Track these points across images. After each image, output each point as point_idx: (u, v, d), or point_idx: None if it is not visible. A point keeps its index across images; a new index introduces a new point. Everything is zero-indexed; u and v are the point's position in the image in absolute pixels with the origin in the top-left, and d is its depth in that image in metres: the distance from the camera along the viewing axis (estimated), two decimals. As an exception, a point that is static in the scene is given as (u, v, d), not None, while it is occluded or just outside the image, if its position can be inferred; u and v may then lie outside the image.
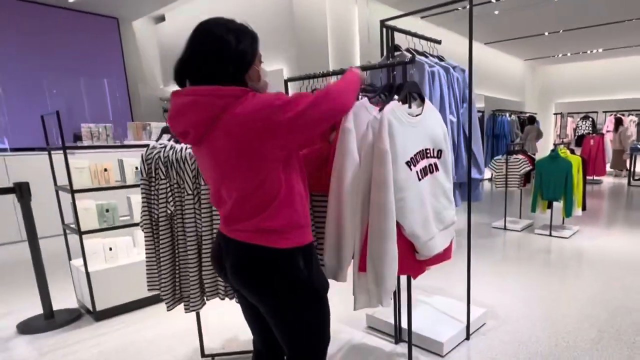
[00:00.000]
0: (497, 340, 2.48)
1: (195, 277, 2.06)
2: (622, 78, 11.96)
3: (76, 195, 2.87)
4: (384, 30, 2.28)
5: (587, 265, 3.94)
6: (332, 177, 1.50)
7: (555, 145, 4.96)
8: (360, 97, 1.62)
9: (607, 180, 10.48)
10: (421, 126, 1.57)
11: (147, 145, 2.09)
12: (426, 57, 2.16)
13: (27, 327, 2.85)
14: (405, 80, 1.64)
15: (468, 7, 2.13)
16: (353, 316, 2.67)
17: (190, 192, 1.99)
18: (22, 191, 2.84)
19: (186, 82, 1.20)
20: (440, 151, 1.65)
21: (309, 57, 6.02)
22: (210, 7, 6.78)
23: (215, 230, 1.97)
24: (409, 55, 2.02)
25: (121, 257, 3.18)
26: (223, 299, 2.12)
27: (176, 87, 1.22)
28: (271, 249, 1.21)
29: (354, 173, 1.48)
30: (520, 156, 5.33)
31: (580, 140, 10.83)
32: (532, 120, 10.44)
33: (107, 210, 3.05)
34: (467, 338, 2.47)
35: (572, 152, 5.06)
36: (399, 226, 1.51)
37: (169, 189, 2.06)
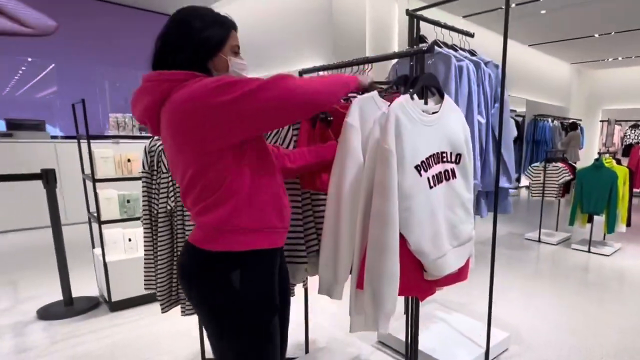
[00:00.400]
0: (520, 369, 2.18)
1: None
2: (679, 85, 10.93)
3: (100, 184, 2.83)
4: (410, 20, 2.03)
5: (629, 288, 3.50)
6: (331, 178, 1.31)
7: (599, 154, 4.49)
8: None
9: (657, 194, 9.60)
10: (438, 126, 1.33)
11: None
12: (456, 50, 1.89)
13: (46, 313, 2.84)
14: (422, 72, 1.39)
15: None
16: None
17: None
18: (47, 177, 2.81)
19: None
20: (459, 156, 1.40)
21: (346, 54, 5.80)
22: (253, 4, 6.70)
23: None
24: (436, 48, 1.76)
25: (140, 248, 3.11)
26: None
27: None
28: (197, 250, 1.06)
29: (355, 175, 1.27)
30: (560, 164, 4.88)
31: (627, 150, 9.94)
32: (574, 126, 9.70)
33: (129, 201, 2.99)
34: (486, 364, 2.19)
35: (619, 162, 4.56)
36: (403, 240, 1.29)
37: (170, 184, 1.92)
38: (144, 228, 2.06)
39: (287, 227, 1.18)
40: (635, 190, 6.27)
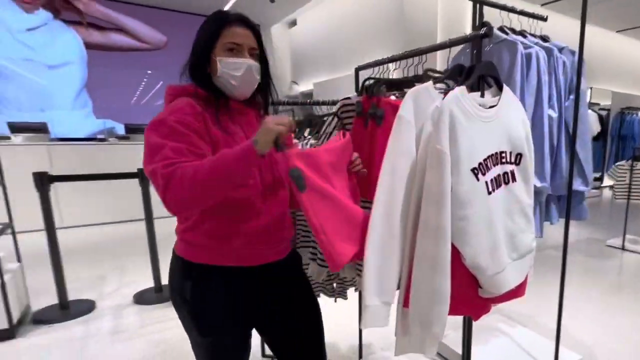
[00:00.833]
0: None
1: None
2: None
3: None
4: (473, 5, 1.80)
5: None
6: (379, 181, 1.12)
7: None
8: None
9: None
10: (496, 122, 1.13)
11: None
12: (525, 36, 1.63)
13: (140, 298, 3.02)
14: (479, 61, 1.20)
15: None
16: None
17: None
18: (142, 176, 2.99)
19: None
20: (519, 155, 1.19)
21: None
22: (330, 11, 6.73)
23: None
24: (500, 34, 1.53)
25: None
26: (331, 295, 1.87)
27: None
28: (173, 249, 1.11)
29: (410, 178, 1.10)
30: (650, 163, 4.22)
31: None
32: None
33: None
34: (553, 388, 1.91)
35: None
36: (456, 253, 1.11)
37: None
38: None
39: (258, 246, 1.07)
40: None
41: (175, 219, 1.07)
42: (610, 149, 8.48)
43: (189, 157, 0.89)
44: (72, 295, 2.90)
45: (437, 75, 1.24)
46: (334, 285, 1.79)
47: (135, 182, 2.97)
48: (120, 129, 6.82)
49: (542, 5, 6.13)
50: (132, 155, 5.61)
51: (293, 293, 1.20)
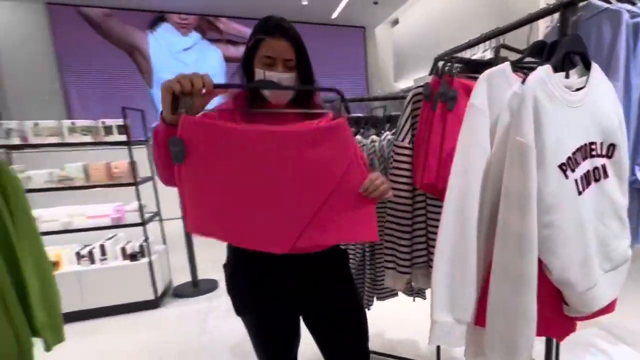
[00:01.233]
0: None
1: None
2: None
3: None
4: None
5: None
6: (450, 179, 0.97)
7: None
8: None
9: None
10: (585, 107, 0.91)
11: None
12: (633, 3, 1.31)
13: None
14: (563, 35, 1.01)
15: None
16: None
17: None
18: None
19: None
20: (612, 147, 0.94)
21: (516, 39, 4.99)
22: (431, 7, 6.51)
23: None
24: (600, 3, 1.27)
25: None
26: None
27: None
28: None
29: (483, 176, 0.95)
30: None
31: None
32: None
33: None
34: None
35: None
36: (540, 265, 0.92)
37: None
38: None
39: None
40: None
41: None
42: None
43: None
44: (201, 275, 3.32)
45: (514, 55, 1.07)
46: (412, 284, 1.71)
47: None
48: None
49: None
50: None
51: (330, 286, 1.20)
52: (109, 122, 2.88)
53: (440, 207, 1.00)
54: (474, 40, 1.27)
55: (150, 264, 2.86)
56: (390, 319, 2.36)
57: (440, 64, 1.26)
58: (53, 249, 2.83)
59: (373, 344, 2.35)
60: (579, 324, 1.05)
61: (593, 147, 0.94)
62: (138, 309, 2.87)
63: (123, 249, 2.90)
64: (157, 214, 3.17)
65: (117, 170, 2.91)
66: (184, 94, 0.86)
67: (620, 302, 1.09)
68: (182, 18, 7.54)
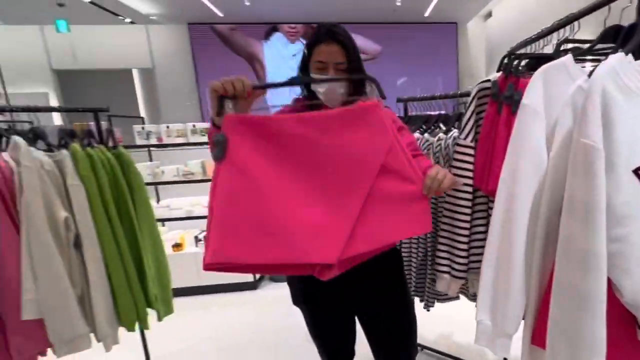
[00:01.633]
0: None
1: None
2: None
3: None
4: None
5: None
6: (499, 184, 0.91)
7: None
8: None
9: None
10: None
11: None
12: None
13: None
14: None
15: None
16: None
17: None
18: None
19: None
20: None
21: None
22: (526, 2, 5.75)
23: None
24: None
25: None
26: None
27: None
28: None
29: (535, 184, 0.85)
30: None
31: None
32: None
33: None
34: None
35: None
36: (610, 285, 0.76)
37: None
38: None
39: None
40: None
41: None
42: None
43: None
44: (294, 263, 3.51)
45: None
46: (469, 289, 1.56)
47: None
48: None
49: None
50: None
51: (382, 287, 1.18)
52: (222, 124, 3.21)
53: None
54: (546, 30, 1.07)
55: (251, 250, 3.12)
56: (458, 320, 2.19)
57: (507, 61, 1.13)
58: (178, 232, 3.30)
59: (439, 344, 2.23)
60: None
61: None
62: (240, 289, 3.18)
63: (230, 235, 3.23)
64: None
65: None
66: (228, 97, 0.88)
67: None
68: (291, 27, 8.08)
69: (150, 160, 3.45)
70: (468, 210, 1.25)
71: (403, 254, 1.65)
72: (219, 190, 0.84)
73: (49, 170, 1.42)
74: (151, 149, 3.40)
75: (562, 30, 1.04)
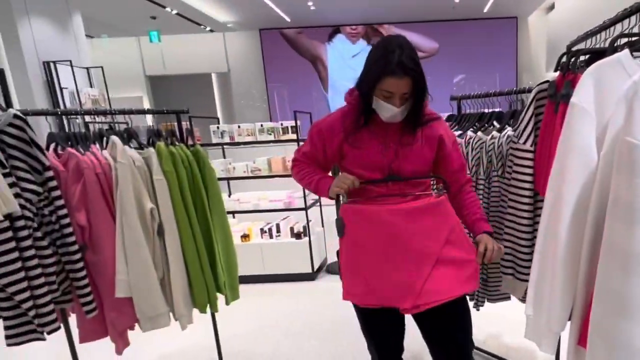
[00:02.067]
0: None
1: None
2: None
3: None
4: None
5: None
6: (548, 185, 0.88)
7: None
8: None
9: None
10: None
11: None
12: None
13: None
14: None
15: None
16: None
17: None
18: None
19: None
20: None
21: None
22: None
23: None
24: None
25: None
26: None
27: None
28: None
29: (584, 185, 0.79)
30: None
31: None
32: None
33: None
34: None
35: None
36: None
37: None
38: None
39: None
40: None
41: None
42: None
43: (307, 161, 1.29)
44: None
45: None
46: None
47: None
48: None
49: None
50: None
51: None
52: (285, 123, 3.29)
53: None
54: (609, 22, 0.93)
55: (310, 243, 3.16)
56: (509, 320, 2.03)
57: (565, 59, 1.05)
58: (246, 224, 3.44)
59: (488, 345, 2.07)
60: None
61: None
62: (298, 280, 3.25)
63: (291, 228, 3.30)
64: (318, 200, 3.46)
65: (290, 163, 3.28)
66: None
67: None
68: (353, 28, 8.07)
69: (224, 157, 3.64)
70: (530, 215, 1.21)
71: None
72: (343, 255, 1.24)
73: (139, 166, 1.55)
74: (224, 146, 3.58)
75: (626, 22, 0.91)
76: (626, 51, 0.76)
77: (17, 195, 1.18)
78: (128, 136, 1.69)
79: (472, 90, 1.93)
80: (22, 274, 1.19)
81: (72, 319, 1.58)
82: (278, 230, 3.34)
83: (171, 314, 1.66)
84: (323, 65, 8.37)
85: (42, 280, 1.24)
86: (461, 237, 1.20)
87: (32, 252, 1.22)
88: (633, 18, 0.88)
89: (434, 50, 7.90)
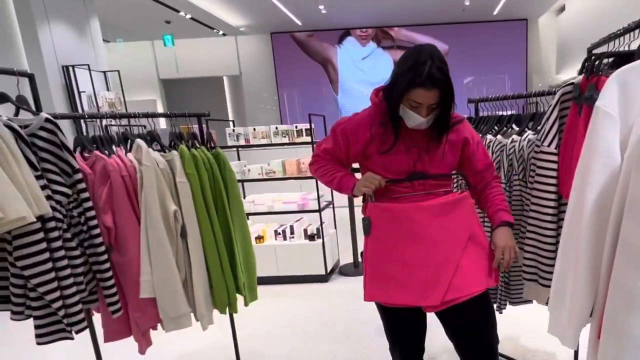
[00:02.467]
0: None
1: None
2: None
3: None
4: None
5: None
6: (573, 186, 0.88)
7: None
8: None
9: None
10: None
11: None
12: None
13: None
14: None
15: None
16: None
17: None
18: None
19: None
20: None
21: None
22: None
23: None
24: None
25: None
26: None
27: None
28: None
29: (606, 187, 0.79)
30: None
31: None
32: None
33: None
34: None
35: None
36: None
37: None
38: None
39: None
40: None
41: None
42: None
43: (327, 157, 1.28)
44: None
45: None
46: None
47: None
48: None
49: None
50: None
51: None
52: (300, 126, 3.29)
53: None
54: (634, 24, 0.91)
55: (323, 244, 3.15)
56: (526, 323, 2.04)
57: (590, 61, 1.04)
58: (260, 226, 3.45)
59: (504, 347, 2.04)
60: None
61: None
62: (311, 281, 3.24)
63: (305, 230, 3.30)
64: (331, 202, 3.45)
65: (304, 166, 3.30)
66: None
67: None
68: (363, 31, 8.08)
69: (239, 159, 3.65)
70: (554, 219, 1.19)
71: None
72: (369, 254, 1.22)
73: (162, 168, 1.56)
74: (239, 149, 3.59)
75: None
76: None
77: (48, 197, 1.19)
78: (151, 139, 1.70)
79: (482, 91, 1.92)
80: (52, 274, 1.19)
81: (95, 318, 1.59)
82: (292, 232, 3.34)
83: (192, 315, 1.66)
84: (333, 67, 8.38)
85: (71, 280, 1.25)
86: (480, 232, 1.23)
87: (62, 252, 1.23)
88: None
89: (444, 52, 7.94)
